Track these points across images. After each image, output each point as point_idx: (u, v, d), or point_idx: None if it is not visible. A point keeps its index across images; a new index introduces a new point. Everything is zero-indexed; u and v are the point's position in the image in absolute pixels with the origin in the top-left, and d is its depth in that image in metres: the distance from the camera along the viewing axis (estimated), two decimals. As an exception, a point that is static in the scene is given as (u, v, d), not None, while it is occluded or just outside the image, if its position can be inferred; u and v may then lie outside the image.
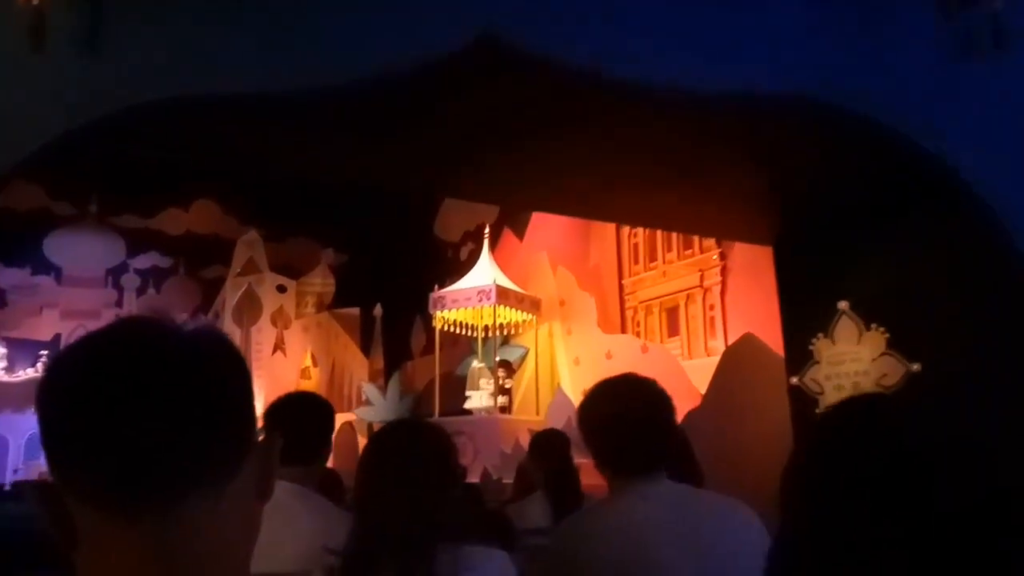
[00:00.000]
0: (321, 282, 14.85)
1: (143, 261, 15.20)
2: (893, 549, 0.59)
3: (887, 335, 4.12)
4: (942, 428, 0.68)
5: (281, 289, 14.20)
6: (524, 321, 9.26)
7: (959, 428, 0.68)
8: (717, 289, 8.03)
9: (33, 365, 13.17)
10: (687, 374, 7.36)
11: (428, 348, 11.05)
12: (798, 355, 4.59)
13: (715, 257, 8.06)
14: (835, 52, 2.73)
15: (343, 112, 3.20)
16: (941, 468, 0.63)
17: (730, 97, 2.60)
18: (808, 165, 3.91)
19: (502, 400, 8.71)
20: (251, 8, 2.57)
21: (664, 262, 8.73)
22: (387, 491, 1.45)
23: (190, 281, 15.45)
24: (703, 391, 6.55)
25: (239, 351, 0.65)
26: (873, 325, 4.19)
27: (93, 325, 0.68)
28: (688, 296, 8.37)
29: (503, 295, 8.68)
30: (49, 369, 0.59)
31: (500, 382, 8.75)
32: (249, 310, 14.05)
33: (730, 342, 7.15)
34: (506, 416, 8.41)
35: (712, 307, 8.11)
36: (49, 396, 0.58)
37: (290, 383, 13.26)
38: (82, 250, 14.64)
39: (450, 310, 9.04)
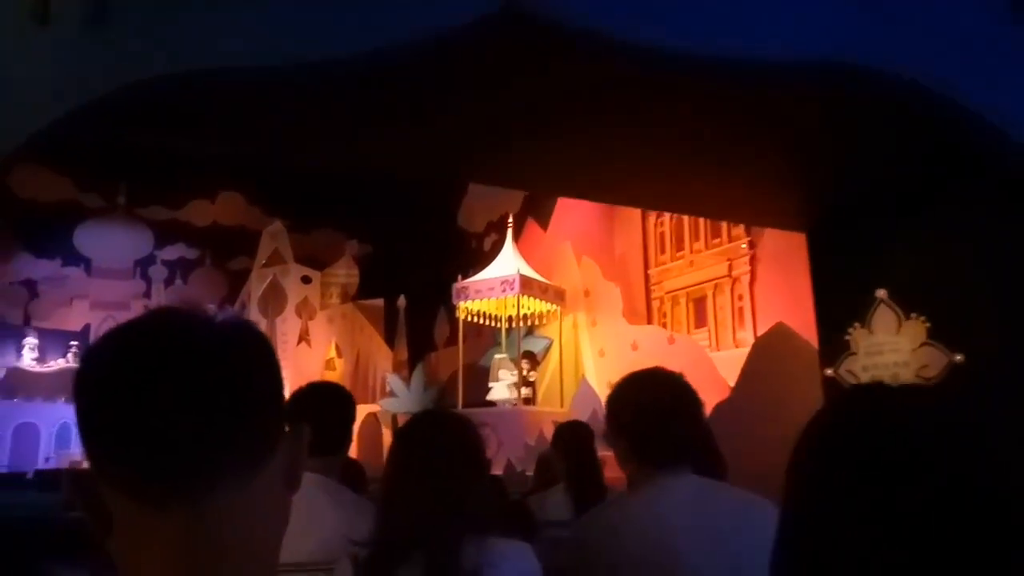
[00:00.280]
0: (346, 273, 14.88)
1: (170, 252, 15.37)
2: (892, 548, 0.59)
3: (928, 324, 3.93)
4: (986, 421, 0.67)
5: (306, 280, 14.26)
6: (548, 312, 9.17)
7: (1004, 420, 0.68)
8: (746, 279, 7.85)
9: (64, 355, 13.38)
10: (715, 366, 7.21)
11: (452, 339, 11.01)
12: (833, 345, 4.43)
13: (744, 246, 7.88)
14: (877, 14, 2.54)
15: (370, 96, 3.13)
16: (966, 462, 0.62)
17: (769, 65, 2.45)
18: (844, 147, 3.74)
19: (526, 392, 8.63)
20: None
21: (691, 251, 8.56)
22: (415, 482, 1.45)
23: (216, 272, 15.60)
24: (731, 383, 6.42)
25: (269, 342, 0.65)
26: (913, 314, 4.01)
27: (122, 316, 0.75)
28: (716, 286, 8.20)
29: (527, 285, 8.59)
30: (84, 360, 0.60)
31: (524, 373, 8.67)
32: (274, 301, 14.13)
33: (759, 333, 6.98)
34: (530, 408, 8.33)
35: (741, 297, 7.94)
36: (83, 387, 0.59)
37: (315, 374, 13.32)
38: (111, 242, 14.85)
39: (473, 300, 8.97)
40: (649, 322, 8.79)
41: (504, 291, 8.60)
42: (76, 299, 14.64)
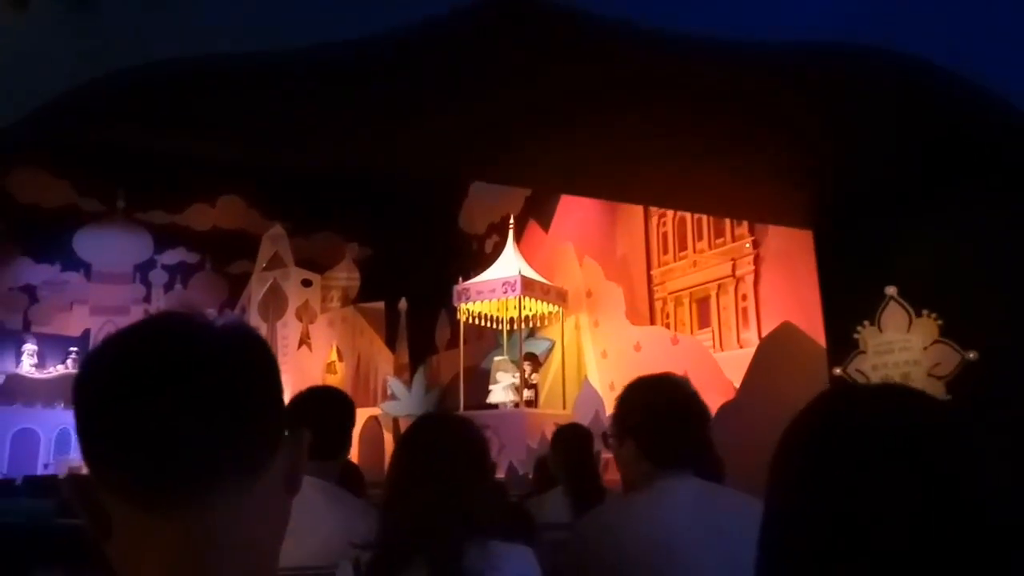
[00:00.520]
0: (346, 276, 14.81)
1: (170, 257, 15.31)
2: (867, 548, 0.59)
3: (939, 322, 3.83)
4: (1001, 419, 0.73)
5: (306, 283, 14.19)
6: (550, 313, 9.08)
7: (1020, 418, 0.60)
8: (750, 279, 7.77)
9: (63, 361, 13.30)
10: (719, 366, 7.11)
11: (453, 342, 10.93)
12: (841, 344, 4.33)
13: (748, 246, 7.79)
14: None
15: (372, 94, 3.06)
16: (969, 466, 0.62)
17: (777, 48, 2.35)
18: (852, 142, 3.65)
19: (528, 394, 8.54)
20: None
21: (695, 251, 8.47)
22: (418, 485, 1.45)
23: (217, 276, 15.53)
24: (736, 384, 6.32)
25: (268, 346, 0.65)
26: (924, 311, 3.90)
27: (122, 321, 0.78)
28: (720, 286, 8.11)
29: (528, 286, 8.51)
30: (83, 365, 0.60)
31: (526, 375, 8.58)
32: (275, 305, 14.06)
33: (764, 333, 6.89)
34: (532, 410, 8.24)
35: (745, 297, 7.85)
36: (82, 391, 0.58)
37: (316, 377, 13.23)
38: (111, 246, 14.80)
39: (475, 302, 8.89)
40: (652, 323, 8.70)
41: (505, 292, 8.52)
42: (76, 304, 14.58)
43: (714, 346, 7.91)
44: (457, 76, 3.03)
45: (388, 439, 10.53)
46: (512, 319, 9.15)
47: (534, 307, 8.88)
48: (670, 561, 1.52)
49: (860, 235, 4.27)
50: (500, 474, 6.82)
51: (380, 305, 13.95)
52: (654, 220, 9.04)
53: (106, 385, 0.57)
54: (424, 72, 2.95)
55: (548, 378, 9.12)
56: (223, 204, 15.48)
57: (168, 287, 15.23)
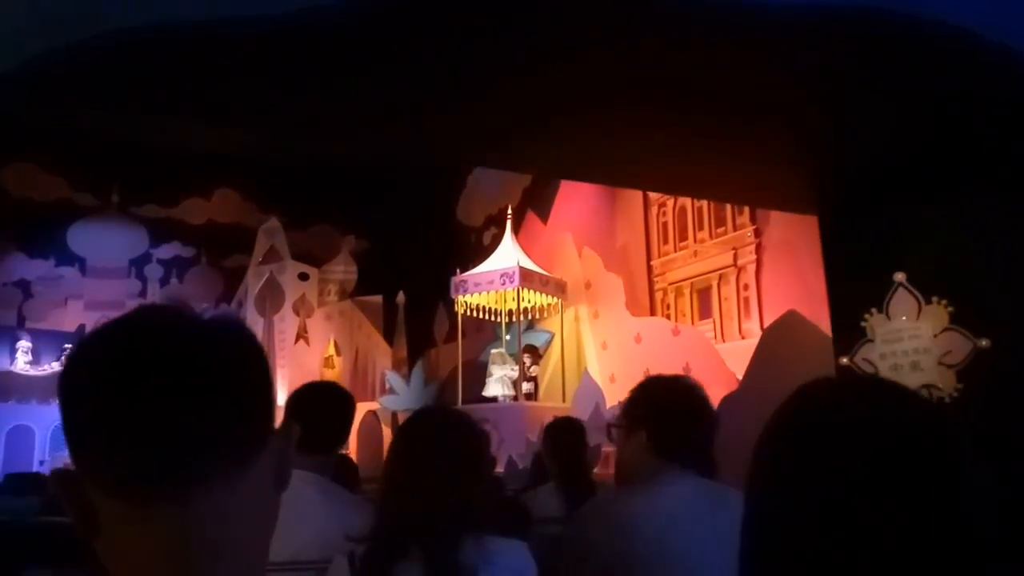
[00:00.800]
0: (343, 269, 14.69)
1: (166, 251, 15.16)
2: (844, 541, 0.59)
3: (950, 309, 3.72)
4: (1015, 408, 0.70)
5: (303, 277, 14.06)
6: (549, 305, 8.97)
7: None
8: (752, 268, 7.65)
9: (58, 358, 13.18)
10: (722, 357, 7.01)
11: (452, 335, 10.82)
12: (847, 333, 4.22)
13: (749, 235, 7.67)
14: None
15: (372, 83, 2.96)
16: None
17: (796, 10, 2.23)
18: (859, 125, 3.54)
19: (528, 387, 8.44)
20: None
21: (695, 241, 8.35)
22: (415, 478, 1.45)
23: (212, 270, 15.39)
24: (739, 375, 6.22)
25: (257, 339, 0.64)
26: (934, 298, 3.79)
27: (117, 316, 0.64)
28: (721, 276, 7.99)
29: (527, 277, 8.40)
30: (69, 359, 0.59)
31: (526, 368, 8.48)
32: (271, 299, 13.94)
33: (766, 324, 6.78)
34: (531, 403, 8.14)
35: (747, 287, 7.73)
36: (68, 385, 0.58)
37: (313, 372, 13.14)
38: (105, 241, 14.67)
39: (472, 294, 8.78)
40: (652, 314, 8.59)
41: (504, 284, 8.41)
42: (71, 299, 14.44)
43: (716, 337, 7.80)
44: (466, 68, 2.98)
45: (387, 433, 10.42)
46: (511, 311, 9.04)
47: (533, 299, 8.77)
48: (670, 552, 1.56)
49: (867, 220, 4.16)
50: (500, 468, 6.73)
51: (378, 299, 13.84)
52: (654, 210, 8.92)
53: (93, 379, 0.57)
54: (435, 64, 2.89)
55: (548, 371, 9.02)
56: (218, 197, 15.34)
57: (164, 282, 15.09)
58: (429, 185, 13.43)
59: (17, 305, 14.09)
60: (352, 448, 10.22)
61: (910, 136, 3.62)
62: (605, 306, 8.73)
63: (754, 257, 7.60)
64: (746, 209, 7.68)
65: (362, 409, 10.89)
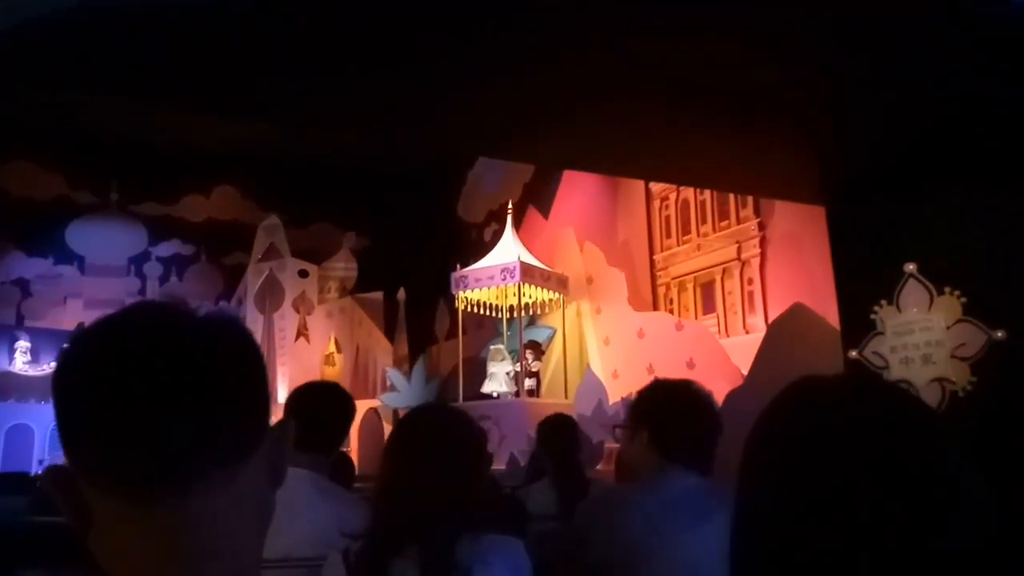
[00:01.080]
0: (343, 266, 14.59)
1: (165, 249, 15.07)
2: (827, 539, 0.59)
3: (963, 299, 3.61)
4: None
5: (303, 274, 13.97)
6: (551, 300, 8.87)
7: None
8: (756, 262, 7.54)
9: (57, 357, 13.11)
10: (726, 352, 6.90)
11: (453, 332, 10.74)
12: (857, 326, 4.11)
13: (753, 228, 7.56)
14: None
15: (376, 70, 2.91)
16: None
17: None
18: (867, 110, 3.43)
19: (530, 383, 8.35)
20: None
21: (698, 235, 8.24)
22: (413, 476, 1.44)
23: (212, 268, 15.30)
24: (744, 371, 6.11)
25: (252, 336, 0.63)
26: (946, 288, 3.68)
27: None
28: (725, 270, 7.89)
29: (528, 272, 8.31)
30: (63, 356, 0.59)
31: (528, 364, 8.39)
32: (271, 296, 13.85)
33: (771, 318, 6.67)
34: (533, 400, 8.05)
35: (751, 281, 7.62)
36: (63, 383, 0.57)
37: (314, 369, 13.06)
38: (104, 239, 14.59)
39: (473, 290, 8.69)
40: (655, 309, 8.48)
41: (504, 279, 8.33)
42: (70, 298, 14.36)
43: (719, 332, 7.69)
44: (474, 60, 2.95)
45: (388, 431, 10.34)
46: (512, 307, 8.95)
47: (534, 294, 8.69)
48: (669, 546, 1.60)
49: (876, 209, 4.04)
50: (501, 466, 6.65)
51: (378, 295, 13.76)
52: (656, 204, 8.82)
53: (85, 375, 0.56)
54: (444, 54, 2.85)
55: (550, 367, 8.93)
56: (217, 195, 15.23)
57: (163, 280, 14.99)
58: (429, 181, 13.34)
59: (16, 304, 14.02)
60: (353, 446, 10.15)
61: (921, 121, 3.51)
62: (607, 301, 8.64)
63: (758, 250, 7.49)
64: (750, 202, 7.57)
65: (363, 407, 10.80)
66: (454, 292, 8.79)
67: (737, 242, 7.71)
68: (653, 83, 3.22)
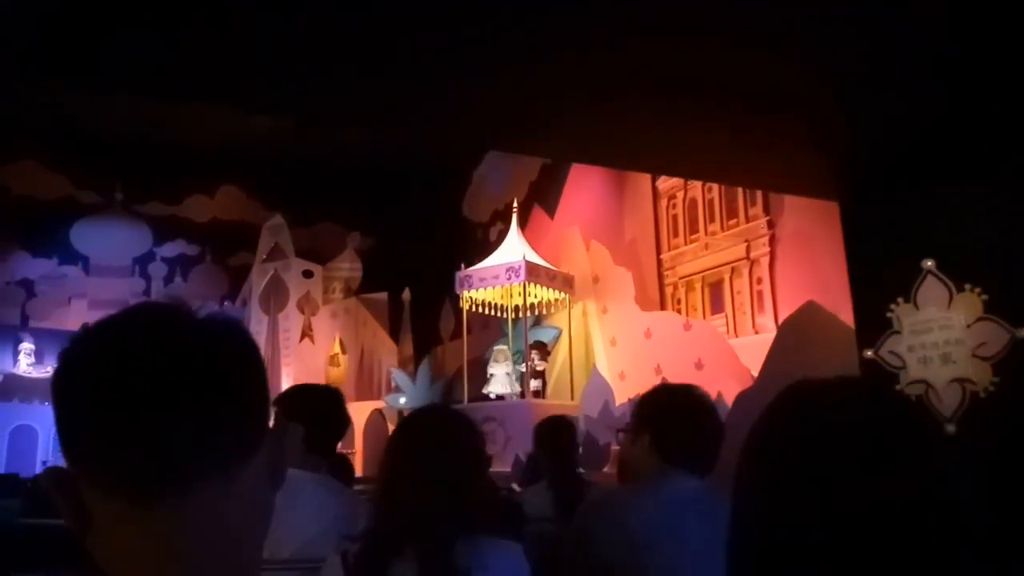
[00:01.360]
0: (348, 267, 14.53)
1: (170, 249, 15.05)
2: (823, 540, 0.59)
3: (984, 297, 3.48)
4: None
5: (307, 275, 13.91)
6: (556, 300, 8.77)
7: None
8: (765, 261, 7.42)
9: (57, 359, 13.08)
10: (735, 352, 6.78)
11: (458, 333, 10.64)
12: (872, 324, 3.97)
13: (762, 226, 7.44)
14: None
15: (386, 63, 2.86)
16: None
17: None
18: (883, 101, 3.31)
19: (536, 384, 8.25)
20: None
21: (706, 234, 8.13)
22: (412, 478, 1.44)
23: (217, 268, 15.26)
24: (754, 371, 6.00)
25: (252, 337, 0.64)
26: (967, 285, 3.55)
27: None
28: (733, 269, 7.77)
29: (533, 272, 8.21)
30: (63, 357, 0.59)
31: (534, 364, 8.29)
32: (276, 297, 13.79)
33: (781, 318, 6.54)
34: (538, 401, 7.95)
35: (760, 281, 7.50)
36: (63, 384, 0.57)
37: (319, 370, 12.99)
38: (109, 239, 14.58)
39: (478, 289, 8.59)
40: (663, 309, 8.37)
41: (509, 279, 8.23)
42: (74, 298, 14.34)
43: (728, 332, 7.57)
44: (483, 52, 2.90)
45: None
46: (517, 307, 8.84)
47: (539, 294, 8.58)
48: (669, 546, 1.61)
49: (892, 203, 3.91)
50: (507, 467, 6.55)
51: (383, 296, 13.69)
52: (663, 202, 8.70)
53: (84, 376, 0.56)
54: (454, 49, 2.80)
55: (556, 368, 8.82)
56: (222, 195, 15.21)
57: (168, 280, 14.97)
58: (434, 181, 13.26)
59: (20, 304, 14.02)
60: (358, 447, 10.07)
61: (939, 110, 3.39)
62: (614, 301, 8.53)
63: (767, 249, 7.37)
64: (759, 200, 7.46)
65: (368, 408, 10.73)
66: (459, 291, 8.70)
67: (746, 241, 7.58)
68: (668, 79, 3.13)
